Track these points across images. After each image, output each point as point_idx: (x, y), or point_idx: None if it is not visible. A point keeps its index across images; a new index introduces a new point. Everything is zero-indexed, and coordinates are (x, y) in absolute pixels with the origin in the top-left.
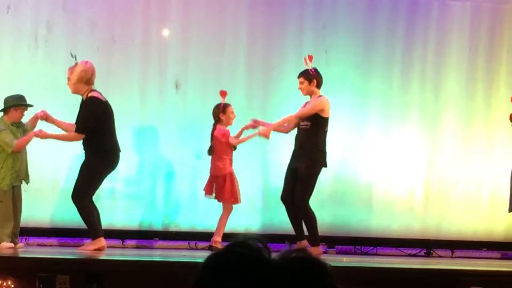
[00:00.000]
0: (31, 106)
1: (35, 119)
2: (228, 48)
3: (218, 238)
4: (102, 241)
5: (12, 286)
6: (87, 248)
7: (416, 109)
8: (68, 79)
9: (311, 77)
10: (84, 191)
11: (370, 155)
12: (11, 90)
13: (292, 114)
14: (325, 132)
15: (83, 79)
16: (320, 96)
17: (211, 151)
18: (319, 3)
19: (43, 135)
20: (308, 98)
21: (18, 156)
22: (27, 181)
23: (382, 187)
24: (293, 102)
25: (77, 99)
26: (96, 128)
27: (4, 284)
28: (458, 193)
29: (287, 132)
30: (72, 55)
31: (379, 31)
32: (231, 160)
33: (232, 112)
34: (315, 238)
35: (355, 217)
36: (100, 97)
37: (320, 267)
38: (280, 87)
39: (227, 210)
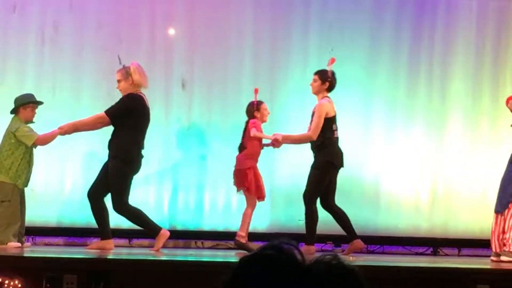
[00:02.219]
0: (40, 103)
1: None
2: (234, 47)
3: (242, 233)
4: (110, 243)
5: (19, 285)
6: (95, 247)
7: (423, 108)
8: (119, 81)
9: (326, 78)
10: (122, 197)
11: (376, 154)
12: (18, 89)
13: (306, 133)
14: (333, 131)
15: (140, 82)
16: (322, 98)
17: (241, 148)
18: (325, 2)
19: (67, 128)
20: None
21: (32, 158)
22: (26, 185)
23: (388, 186)
24: (299, 102)
25: (85, 99)
26: (128, 125)
27: (12, 283)
28: (465, 191)
29: None
30: (119, 59)
31: (385, 30)
32: (255, 155)
33: (266, 109)
34: (309, 237)
35: (361, 216)
36: (142, 96)
37: (352, 274)
38: (286, 86)
39: (250, 205)
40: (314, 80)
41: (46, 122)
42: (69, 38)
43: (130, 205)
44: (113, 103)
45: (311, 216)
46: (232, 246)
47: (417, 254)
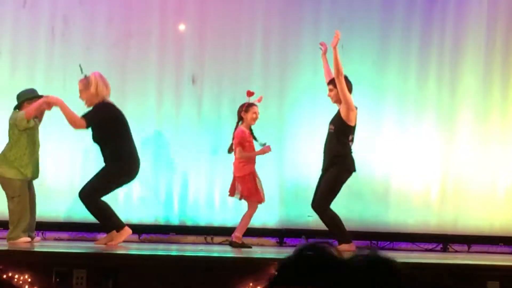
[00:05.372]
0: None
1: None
2: (244, 43)
3: (239, 234)
4: (127, 230)
5: (29, 280)
6: (116, 242)
7: (433, 104)
8: (80, 91)
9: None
10: (93, 193)
11: (386, 150)
12: (28, 84)
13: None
14: (350, 140)
15: (101, 94)
16: None
17: (230, 149)
18: None
19: (52, 100)
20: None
21: (36, 148)
22: (36, 176)
23: (398, 182)
24: (309, 97)
25: None
26: (109, 132)
27: (21, 278)
28: (475, 188)
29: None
30: (80, 68)
31: (396, 26)
32: (252, 159)
33: (255, 113)
34: (344, 235)
35: (371, 212)
36: (112, 103)
37: (391, 266)
38: (296, 82)
39: (251, 209)
40: (330, 90)
41: (56, 115)
42: (79, 32)
43: (101, 200)
44: (123, 97)
45: (332, 219)
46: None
47: (426, 250)
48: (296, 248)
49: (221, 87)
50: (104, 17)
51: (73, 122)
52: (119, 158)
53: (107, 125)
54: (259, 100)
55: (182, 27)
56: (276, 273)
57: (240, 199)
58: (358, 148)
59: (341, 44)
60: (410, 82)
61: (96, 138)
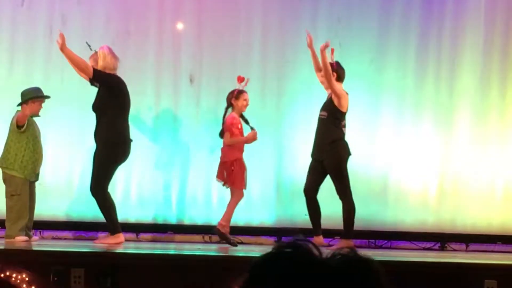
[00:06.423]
0: (48, 97)
1: None
2: (242, 42)
3: (224, 222)
4: (121, 237)
5: (27, 279)
6: (106, 242)
7: (430, 102)
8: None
9: (332, 70)
10: (100, 182)
11: (384, 149)
12: (26, 83)
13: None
14: (342, 125)
15: (108, 66)
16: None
17: (221, 134)
18: None
19: (62, 40)
20: None
21: (38, 149)
22: (37, 179)
23: (396, 181)
24: (307, 96)
25: (92, 92)
26: (109, 107)
27: (19, 277)
28: (473, 186)
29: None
30: (88, 45)
31: (393, 25)
32: (240, 147)
33: (246, 100)
34: (348, 231)
35: (369, 211)
36: (120, 78)
37: (369, 265)
38: (294, 80)
39: (236, 196)
40: (322, 76)
41: (54, 114)
42: (77, 32)
43: (108, 193)
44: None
45: (352, 211)
46: (241, 241)
47: (424, 249)
48: (273, 246)
49: (219, 86)
50: (102, 16)
51: (78, 63)
52: (114, 141)
53: (114, 95)
54: (246, 84)
55: (180, 25)
56: (251, 272)
57: (223, 185)
58: (356, 147)
59: (339, 42)
60: (408, 81)
61: (97, 105)
